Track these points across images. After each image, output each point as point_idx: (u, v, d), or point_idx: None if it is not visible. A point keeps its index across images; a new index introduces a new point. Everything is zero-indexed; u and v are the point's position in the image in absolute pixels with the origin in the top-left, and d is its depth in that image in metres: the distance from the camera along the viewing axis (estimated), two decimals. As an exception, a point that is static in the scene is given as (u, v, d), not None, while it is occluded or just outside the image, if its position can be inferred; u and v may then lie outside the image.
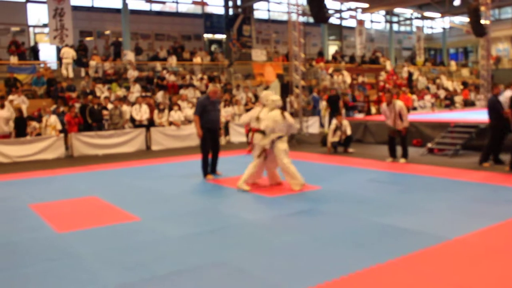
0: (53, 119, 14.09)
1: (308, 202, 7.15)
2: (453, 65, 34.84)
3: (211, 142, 9.69)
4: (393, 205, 6.85)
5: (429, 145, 12.27)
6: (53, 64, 21.52)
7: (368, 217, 6.14)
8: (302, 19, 16.86)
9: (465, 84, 29.10)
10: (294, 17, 16.50)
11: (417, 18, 37.29)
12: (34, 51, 21.86)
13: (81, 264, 4.79)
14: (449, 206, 6.70)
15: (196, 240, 5.49)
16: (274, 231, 5.77)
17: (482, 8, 20.66)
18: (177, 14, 28.05)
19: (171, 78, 20.62)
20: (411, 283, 4.09)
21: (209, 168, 9.75)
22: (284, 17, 31.17)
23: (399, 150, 10.99)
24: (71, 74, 19.18)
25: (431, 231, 5.47)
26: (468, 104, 24.69)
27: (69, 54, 19.20)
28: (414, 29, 36.84)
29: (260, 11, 30.75)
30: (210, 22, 28.70)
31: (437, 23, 39.82)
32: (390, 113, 10.91)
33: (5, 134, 13.40)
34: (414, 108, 22.27)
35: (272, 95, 8.59)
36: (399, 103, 10.89)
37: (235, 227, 6.03)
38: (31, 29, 24.20)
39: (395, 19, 37.22)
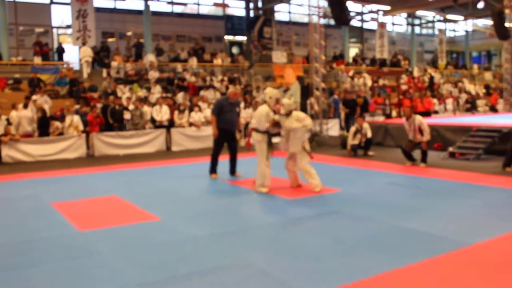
0: (76, 119, 14.26)
1: (329, 205, 7.14)
2: (475, 68, 34.42)
3: (225, 143, 9.75)
4: (414, 209, 6.80)
5: (451, 149, 12.14)
6: (75, 64, 21.79)
7: (389, 221, 6.11)
8: (323, 21, 16.82)
9: (487, 87, 28.73)
10: (315, 19, 16.47)
11: (439, 20, 36.89)
12: (59, 52, 22.17)
13: (102, 263, 4.84)
14: (471, 211, 6.62)
15: (217, 240, 5.51)
16: (295, 233, 5.76)
17: (507, 11, 20.38)
18: (198, 16, 28.19)
19: (192, 79, 20.73)
20: (431, 287, 4.05)
21: (216, 169, 9.86)
22: (305, 19, 31.10)
23: (416, 153, 10.92)
24: (85, 74, 19.49)
25: (452, 236, 5.42)
26: (493, 109, 24.31)
27: (85, 52, 19.45)
28: (436, 32, 36.49)
29: (281, 13, 30.74)
30: (231, 24, 28.77)
31: (460, 26, 39.41)
32: (410, 127, 10.88)
33: (28, 134, 13.62)
34: (436, 112, 22.05)
35: (285, 99, 8.66)
36: (418, 118, 10.84)
37: (256, 228, 6.04)
38: (54, 30, 24.52)
39: (417, 21, 36.91)
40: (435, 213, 6.51)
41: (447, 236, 5.41)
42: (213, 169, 9.81)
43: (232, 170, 9.90)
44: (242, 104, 16.70)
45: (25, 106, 14.06)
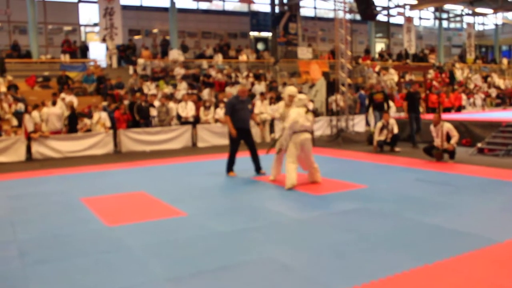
0: (104, 115, 14.47)
1: (355, 201, 7.10)
2: (505, 62, 33.76)
3: (241, 141, 9.78)
4: (442, 205, 6.72)
5: (479, 145, 11.96)
6: (102, 62, 22.08)
7: (416, 217, 6.05)
8: (349, 16, 16.71)
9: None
10: (340, 14, 16.37)
11: (468, 14, 36.27)
12: (83, 50, 22.48)
13: (131, 257, 4.92)
14: (501, 208, 6.52)
15: (242, 236, 5.55)
16: (320, 229, 5.76)
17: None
18: (223, 12, 28.27)
19: (217, 76, 20.81)
20: (459, 285, 4.01)
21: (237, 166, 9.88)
22: (331, 15, 30.93)
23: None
24: (114, 64, 19.82)
25: (481, 233, 5.34)
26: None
27: (110, 45, 19.93)
28: (465, 26, 35.89)
29: (306, 9, 30.63)
30: (256, 20, 28.76)
31: (489, 20, 38.68)
32: (437, 134, 10.73)
33: (57, 130, 13.87)
34: (463, 107, 21.72)
35: (300, 94, 8.86)
36: (447, 125, 10.67)
37: (281, 224, 6.05)
38: (82, 28, 24.88)
39: (444, 15, 36.33)
40: (463, 210, 6.43)
41: (475, 233, 5.34)
42: (230, 168, 9.81)
43: (257, 168, 9.83)
44: (266, 101, 16.75)
45: (54, 103, 14.30)
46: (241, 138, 9.73)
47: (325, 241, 5.26)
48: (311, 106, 16.75)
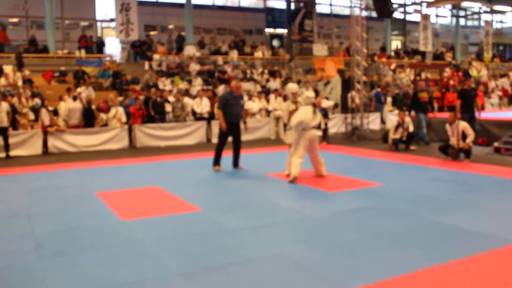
0: (120, 110, 14.58)
1: (369, 199, 7.07)
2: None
3: (230, 136, 10.02)
4: (457, 205, 6.67)
5: (496, 144, 11.83)
6: (118, 57, 22.19)
7: (431, 217, 6.01)
8: (365, 13, 16.60)
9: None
10: (356, 11, 16.27)
11: (486, 12, 35.87)
12: (99, 45, 22.62)
13: (145, 251, 4.96)
14: (517, 208, 6.46)
15: (256, 232, 5.56)
16: (334, 227, 5.75)
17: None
18: (239, 9, 28.25)
19: (233, 72, 20.82)
20: (473, 285, 3.98)
21: (219, 161, 10.06)
22: (346, 12, 30.75)
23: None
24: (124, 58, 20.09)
25: (496, 233, 5.30)
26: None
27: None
28: (482, 24, 35.48)
29: (322, 6, 30.47)
30: (272, 16, 28.70)
31: (507, 17, 38.19)
32: (452, 133, 10.65)
33: (76, 125, 14.00)
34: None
35: (307, 91, 9.20)
36: (462, 124, 10.60)
37: (295, 221, 6.05)
38: (98, 23, 25.02)
39: (462, 13, 35.94)
40: (479, 210, 6.38)
41: (491, 233, 5.30)
42: (216, 161, 10.01)
43: (236, 162, 10.15)
44: (280, 97, 16.72)
45: (75, 99, 14.41)
46: (230, 132, 9.97)
47: (338, 239, 5.25)
48: (330, 102, 16.71)
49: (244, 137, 15.41)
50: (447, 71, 25.78)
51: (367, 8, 17.17)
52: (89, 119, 14.22)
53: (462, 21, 36.37)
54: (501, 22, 39.30)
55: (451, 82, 23.38)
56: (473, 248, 4.78)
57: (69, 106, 14.10)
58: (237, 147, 10.18)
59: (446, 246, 4.93)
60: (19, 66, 17.61)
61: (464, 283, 4.01)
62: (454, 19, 35.48)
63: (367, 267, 4.40)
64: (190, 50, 22.07)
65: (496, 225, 5.63)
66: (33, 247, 5.16)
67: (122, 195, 7.75)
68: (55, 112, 14.08)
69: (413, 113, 13.91)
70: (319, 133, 8.94)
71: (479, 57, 32.94)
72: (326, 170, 9.00)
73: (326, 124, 14.26)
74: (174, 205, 6.97)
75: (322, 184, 8.28)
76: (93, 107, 14.65)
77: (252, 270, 4.40)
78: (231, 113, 9.89)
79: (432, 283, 4.02)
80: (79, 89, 15.92)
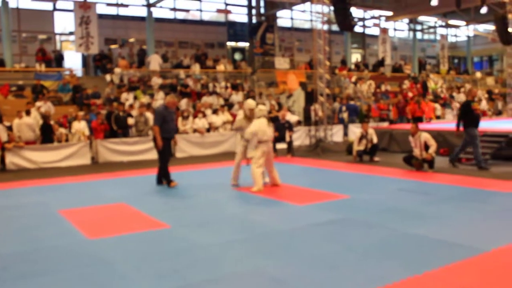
0: (83, 124, 14.26)
1: (339, 212, 7.06)
2: (478, 74, 34.38)
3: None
4: (425, 215, 6.73)
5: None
6: (78, 71, 21.76)
7: (401, 228, 6.04)
8: (325, 27, 16.79)
9: (490, 93, 28.67)
10: (319, 25, 16.44)
11: (441, 26, 36.93)
12: (58, 59, 22.13)
13: (115, 271, 4.78)
14: (484, 217, 6.57)
15: (228, 248, 5.45)
16: (307, 240, 5.69)
17: (510, 16, 20.37)
18: (200, 22, 28.19)
19: (196, 86, 20.69)
20: (452, 295, 3.99)
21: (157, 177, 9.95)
22: (307, 25, 31.14)
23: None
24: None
25: (467, 242, 5.35)
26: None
27: None
28: (438, 37, 36.49)
29: (283, 19, 30.74)
30: (233, 30, 28.75)
31: (461, 31, 39.43)
32: (415, 144, 10.88)
33: (30, 141, 13.54)
34: (438, 117, 22.00)
35: (260, 105, 9.63)
36: (424, 135, 10.84)
37: (267, 235, 5.96)
38: (57, 37, 24.52)
39: (419, 27, 36.89)
40: (447, 220, 6.44)
41: (462, 243, 5.35)
42: (169, 178, 9.71)
43: (160, 180, 9.89)
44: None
45: (28, 113, 13.99)
46: (167, 147, 9.73)
47: (313, 253, 5.20)
48: (295, 117, 16.75)
49: (209, 151, 15.48)
50: (406, 83, 26.34)
51: (328, 22, 17.37)
52: (47, 134, 13.81)
53: (419, 35, 37.32)
54: (456, 36, 40.55)
55: (410, 94, 23.89)
56: (446, 258, 4.80)
57: (22, 121, 13.63)
58: (166, 162, 9.84)
59: (419, 257, 4.94)
60: (-26, 80, 17.05)
61: (441, 294, 4.01)
62: (411, 33, 36.38)
63: (345, 280, 4.36)
64: (157, 59, 21.80)
65: (466, 235, 5.69)
66: (-4, 269, 4.92)
67: (86, 213, 7.51)
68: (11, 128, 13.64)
69: (461, 127, 11.24)
70: (271, 144, 9.28)
71: (435, 69, 33.82)
72: (289, 183, 9.39)
73: (290, 136, 14.30)
74: (142, 222, 6.79)
75: (290, 197, 8.24)
76: (52, 122, 14.25)
77: (229, 287, 4.29)
78: (169, 129, 9.66)
79: (410, 295, 4.01)
80: (38, 103, 15.49)
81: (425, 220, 6.46)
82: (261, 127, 8.97)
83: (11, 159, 12.91)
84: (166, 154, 9.75)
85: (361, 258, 4.97)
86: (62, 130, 14.09)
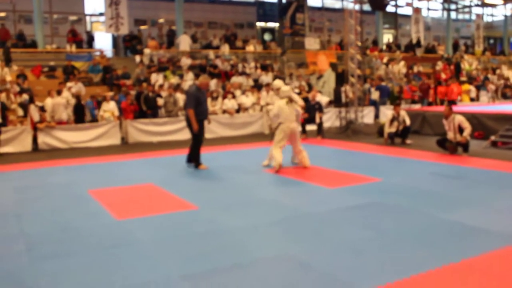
0: (112, 105, 14.33)
1: (370, 195, 6.90)
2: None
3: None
4: (459, 200, 6.52)
5: (493, 138, 11.72)
6: (108, 52, 21.85)
7: (435, 213, 5.84)
8: (357, 6, 16.42)
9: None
10: (350, 5, 16.08)
11: (476, 5, 35.81)
12: (88, 40, 22.27)
13: (143, 252, 4.75)
14: (521, 203, 6.32)
15: (256, 231, 5.37)
16: (337, 225, 5.56)
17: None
18: (230, 2, 27.98)
19: (224, 66, 20.58)
20: (490, 286, 3.82)
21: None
22: (337, 5, 30.61)
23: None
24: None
25: (505, 230, 5.13)
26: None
27: None
28: (473, 17, 35.45)
29: (313, -1, 30.27)
30: (263, 10, 28.45)
31: (498, 10, 38.20)
32: (449, 126, 10.53)
33: (62, 121, 13.71)
34: (472, 99, 21.46)
35: (283, 86, 9.78)
36: (458, 117, 10.46)
37: (296, 219, 5.84)
38: (88, 18, 24.64)
39: (453, 6, 35.86)
40: (481, 205, 6.22)
41: (499, 230, 5.13)
42: (199, 160, 9.55)
43: (190, 158, 9.72)
44: (272, 92, 16.52)
45: (59, 93, 14.12)
46: (201, 129, 9.49)
47: (343, 237, 5.07)
48: (325, 98, 16.55)
49: (238, 132, 15.40)
50: (439, 65, 25.71)
51: (360, 1, 16.97)
52: (79, 114, 13.94)
53: (453, 15, 36.32)
54: (492, 15, 39.31)
55: (443, 76, 23.33)
56: (483, 246, 4.61)
57: (55, 101, 13.79)
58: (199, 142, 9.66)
59: (454, 244, 4.77)
60: (7, 61, 17.26)
61: (480, 284, 3.84)
62: (445, 13, 35.43)
63: (376, 267, 4.22)
64: (184, 40, 21.73)
65: (503, 222, 5.47)
66: (24, 249, 4.93)
67: (115, 193, 7.52)
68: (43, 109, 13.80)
69: None
70: (296, 124, 9.30)
71: (469, 50, 32.93)
72: (319, 165, 9.24)
73: (320, 118, 14.09)
74: (170, 203, 6.76)
75: (320, 180, 8.10)
76: (83, 102, 14.37)
77: (258, 271, 4.21)
78: (202, 111, 9.41)
79: (446, 284, 3.84)
80: (69, 84, 15.61)
81: (459, 205, 6.26)
82: (283, 108, 9.06)
83: (43, 139, 13.06)
84: (200, 137, 9.57)
85: (394, 244, 4.82)
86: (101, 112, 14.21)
